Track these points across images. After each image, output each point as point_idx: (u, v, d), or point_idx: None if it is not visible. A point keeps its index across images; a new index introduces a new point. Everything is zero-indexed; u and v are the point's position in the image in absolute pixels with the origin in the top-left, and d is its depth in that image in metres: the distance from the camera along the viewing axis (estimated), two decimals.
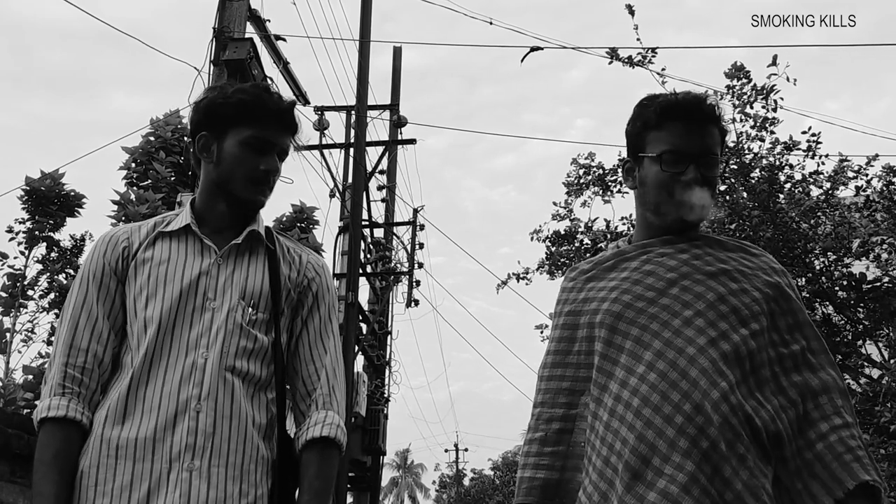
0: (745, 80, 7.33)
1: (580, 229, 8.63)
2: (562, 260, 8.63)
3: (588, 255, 8.45)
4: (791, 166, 7.58)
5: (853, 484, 1.53)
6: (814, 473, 1.56)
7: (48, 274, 7.98)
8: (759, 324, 1.66)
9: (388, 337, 14.47)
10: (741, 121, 7.48)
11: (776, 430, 1.58)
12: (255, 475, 1.63)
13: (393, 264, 14.42)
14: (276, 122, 1.74)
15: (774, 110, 7.36)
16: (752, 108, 7.40)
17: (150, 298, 1.67)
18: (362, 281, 12.55)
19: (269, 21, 7.21)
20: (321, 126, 12.22)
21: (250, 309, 1.70)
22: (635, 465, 1.57)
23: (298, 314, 1.80)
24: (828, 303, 7.67)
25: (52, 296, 7.95)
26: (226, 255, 1.73)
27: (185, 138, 7.64)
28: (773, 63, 7.07)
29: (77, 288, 1.72)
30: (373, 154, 13.12)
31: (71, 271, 8.08)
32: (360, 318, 12.71)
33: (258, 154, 1.72)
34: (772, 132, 7.51)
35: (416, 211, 15.07)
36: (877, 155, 7.54)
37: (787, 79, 7.12)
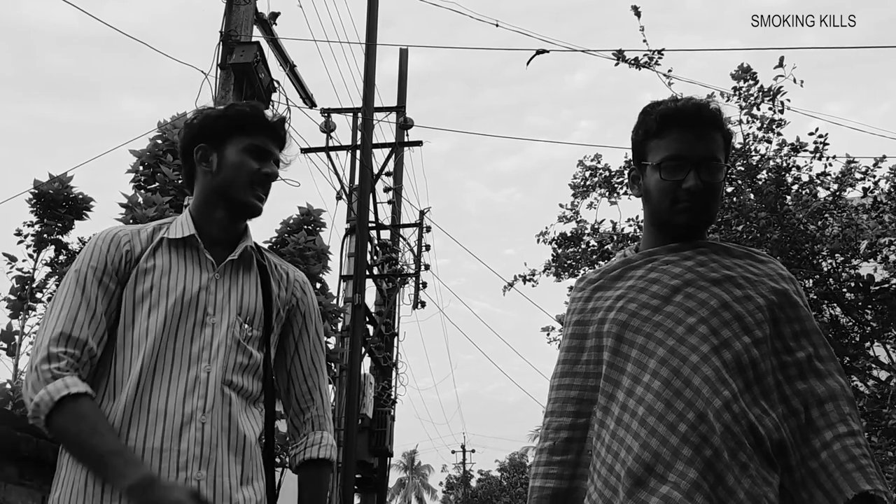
0: (751, 82, 7.32)
1: (586, 231, 8.62)
2: (568, 262, 8.63)
3: (595, 257, 8.44)
4: (798, 168, 7.56)
5: (853, 494, 1.50)
6: (818, 483, 1.54)
7: (56, 277, 8.01)
8: (762, 331, 1.65)
9: (395, 338, 14.48)
10: (748, 122, 7.47)
11: (780, 439, 1.58)
12: (255, 484, 1.70)
13: (399, 266, 14.43)
14: (271, 133, 1.84)
15: (781, 112, 7.35)
16: (758, 109, 7.39)
17: (153, 308, 1.68)
18: (369, 283, 12.57)
19: (276, 20, 7.23)
20: (328, 128, 12.25)
21: (246, 325, 1.75)
22: (638, 473, 1.57)
23: (289, 333, 1.88)
24: (835, 305, 7.64)
25: None
26: (222, 271, 1.77)
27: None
28: (780, 65, 7.06)
29: (75, 280, 1.68)
30: (379, 156, 13.15)
31: None
32: (367, 319, 12.72)
33: (258, 160, 1.81)
34: (779, 134, 7.49)
35: (422, 213, 15.09)
36: (884, 156, 7.52)
37: (794, 80, 7.11)
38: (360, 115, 11.96)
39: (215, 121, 1.82)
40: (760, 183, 7.39)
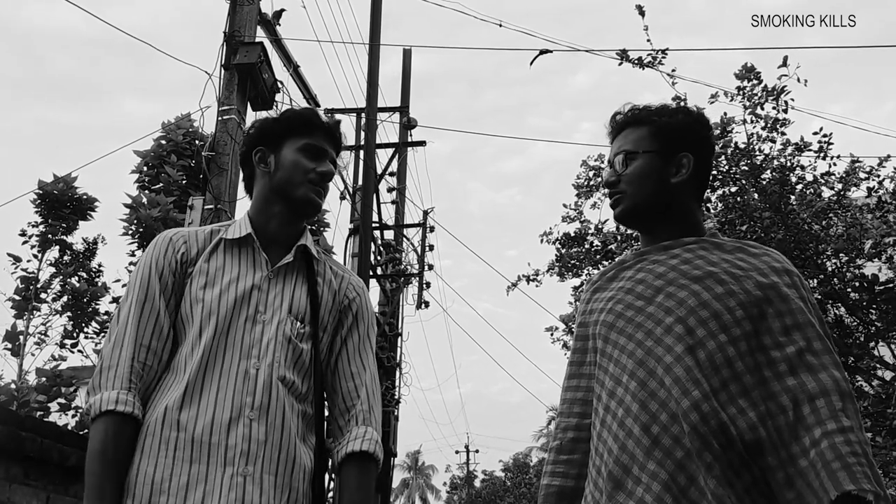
0: (755, 82, 7.30)
1: (590, 231, 8.62)
2: (572, 262, 8.63)
3: (598, 257, 8.44)
4: (802, 167, 7.55)
5: (836, 494, 1.43)
6: (808, 482, 1.50)
7: (61, 277, 8.03)
8: (742, 329, 1.63)
9: (399, 339, 14.48)
10: (752, 122, 7.46)
11: (755, 439, 1.55)
12: (300, 485, 1.70)
13: (403, 266, 14.43)
14: (327, 133, 1.91)
15: (785, 111, 7.33)
16: (762, 109, 7.38)
17: (207, 306, 1.74)
18: (372, 283, 12.58)
19: (280, 20, 7.23)
20: None
21: (298, 323, 1.79)
22: (617, 475, 1.61)
23: (338, 333, 1.89)
24: (840, 304, 7.63)
25: (64, 299, 7.99)
26: (276, 272, 1.82)
27: (198, 142, 7.66)
28: (784, 64, 7.04)
29: (138, 283, 1.77)
30: (382, 156, 13.16)
31: (83, 274, 8.12)
32: None
33: (314, 159, 1.87)
34: (783, 133, 7.48)
35: (426, 213, 15.09)
36: (888, 156, 7.50)
37: (798, 79, 7.10)
38: (363, 115, 11.97)
39: (273, 124, 1.90)
40: (764, 183, 7.38)
